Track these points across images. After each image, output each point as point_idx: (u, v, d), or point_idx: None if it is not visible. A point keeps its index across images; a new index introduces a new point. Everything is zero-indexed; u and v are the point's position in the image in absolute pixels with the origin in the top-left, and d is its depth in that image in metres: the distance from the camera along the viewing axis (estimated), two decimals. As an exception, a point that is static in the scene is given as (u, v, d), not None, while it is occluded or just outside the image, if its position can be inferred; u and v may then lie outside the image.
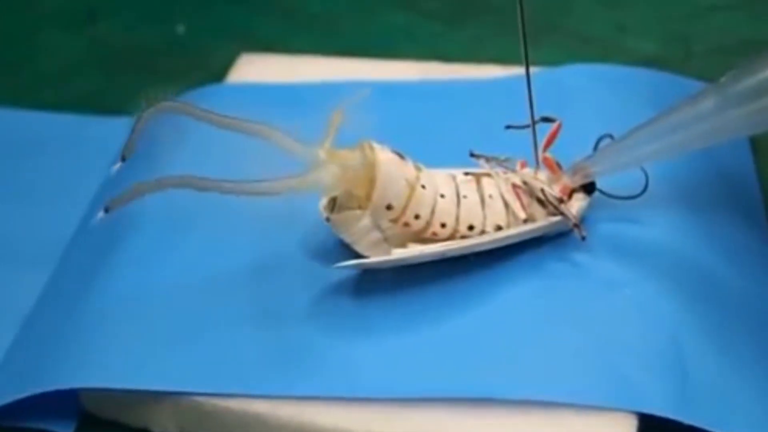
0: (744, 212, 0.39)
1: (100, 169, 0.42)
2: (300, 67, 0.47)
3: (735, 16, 0.52)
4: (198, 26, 0.55)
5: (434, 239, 0.36)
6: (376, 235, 0.36)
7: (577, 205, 0.37)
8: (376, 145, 0.34)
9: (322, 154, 0.34)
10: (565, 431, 0.32)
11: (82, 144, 0.46)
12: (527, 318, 0.35)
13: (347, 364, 0.34)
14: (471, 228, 0.36)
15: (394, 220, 0.35)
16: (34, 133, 0.48)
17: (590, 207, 0.37)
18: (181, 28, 0.54)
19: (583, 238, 0.36)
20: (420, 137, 0.39)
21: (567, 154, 0.37)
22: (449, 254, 0.35)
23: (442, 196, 0.35)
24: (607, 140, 0.37)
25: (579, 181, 0.37)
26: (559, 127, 0.36)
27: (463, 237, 0.36)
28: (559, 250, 0.36)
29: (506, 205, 0.36)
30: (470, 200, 0.36)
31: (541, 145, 0.37)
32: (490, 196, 0.36)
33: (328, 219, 0.36)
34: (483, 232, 0.36)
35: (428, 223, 0.35)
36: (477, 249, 0.36)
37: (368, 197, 0.34)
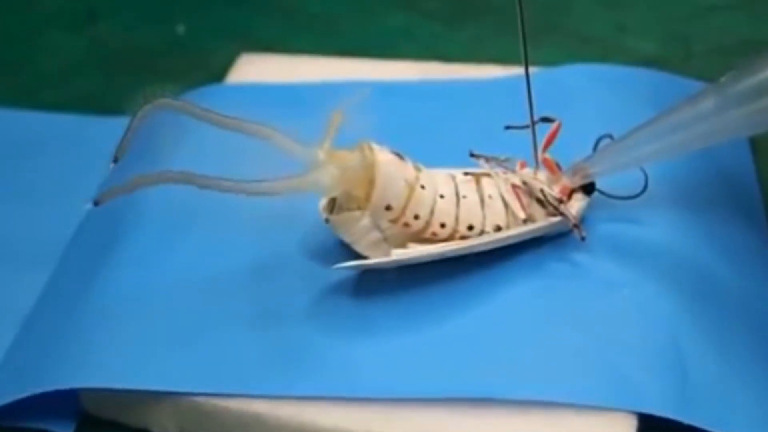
0: (743, 212, 0.39)
1: (100, 169, 0.42)
2: (300, 67, 0.48)
3: (735, 16, 0.52)
4: (198, 26, 0.55)
5: (434, 239, 0.36)
6: (375, 235, 0.36)
7: (576, 205, 0.37)
8: (376, 146, 0.34)
9: (321, 154, 0.34)
10: (565, 431, 0.32)
11: (82, 144, 0.46)
12: (527, 318, 0.35)
13: (347, 364, 0.34)
14: (470, 228, 0.36)
15: (394, 221, 0.35)
16: (34, 133, 0.48)
17: (590, 207, 0.37)
18: (181, 28, 0.54)
19: (583, 239, 0.36)
20: (420, 137, 0.39)
21: (567, 154, 0.37)
22: (449, 254, 0.35)
23: (442, 196, 0.35)
24: (607, 140, 0.37)
25: (578, 181, 0.37)
26: (559, 127, 0.36)
27: (463, 237, 0.36)
28: (559, 251, 0.36)
29: (506, 205, 0.36)
30: (470, 200, 0.36)
31: (540, 145, 0.37)
32: (490, 197, 0.36)
33: (327, 220, 0.36)
34: (482, 232, 0.36)
35: (428, 224, 0.35)
36: (477, 249, 0.36)
37: (367, 198, 0.34)
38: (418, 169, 0.35)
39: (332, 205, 0.36)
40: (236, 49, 0.49)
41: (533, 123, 0.37)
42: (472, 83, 0.45)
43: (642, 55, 0.49)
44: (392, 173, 0.34)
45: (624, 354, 0.33)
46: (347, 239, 0.36)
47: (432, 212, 0.35)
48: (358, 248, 0.36)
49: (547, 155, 0.37)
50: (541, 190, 0.36)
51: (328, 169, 0.34)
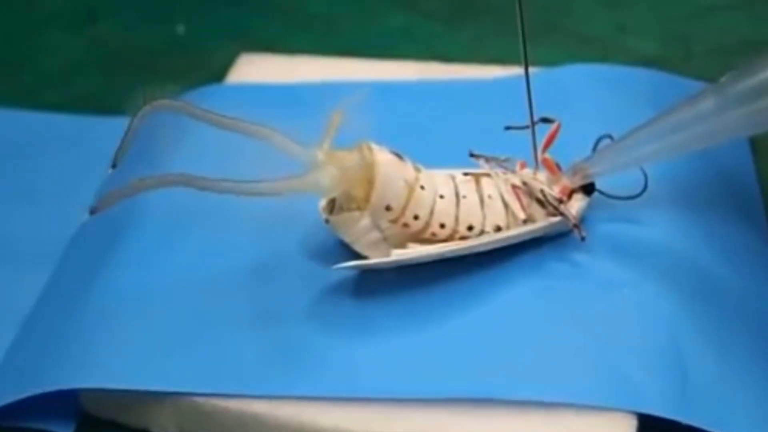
0: (743, 212, 0.39)
1: (100, 169, 0.42)
2: (300, 67, 0.48)
3: (735, 16, 0.52)
4: (198, 26, 0.55)
5: (433, 240, 0.36)
6: (375, 235, 0.36)
7: (576, 205, 0.37)
8: (375, 146, 0.34)
9: (320, 155, 0.34)
10: (565, 431, 0.32)
11: (82, 144, 0.46)
12: (527, 318, 0.35)
13: (347, 364, 0.34)
14: (470, 228, 0.36)
15: (393, 221, 0.35)
16: (34, 133, 0.48)
17: (590, 207, 0.37)
18: (181, 28, 0.54)
19: (583, 239, 0.36)
20: (419, 137, 0.39)
21: (567, 154, 0.37)
22: (449, 255, 0.35)
23: (441, 196, 0.35)
24: (607, 140, 0.37)
25: (578, 181, 0.37)
26: (559, 127, 0.36)
27: (463, 237, 0.36)
28: (559, 251, 0.36)
29: (506, 205, 0.36)
30: (469, 201, 0.36)
31: (540, 145, 0.37)
32: (490, 197, 0.36)
33: (327, 220, 0.36)
34: (482, 232, 0.36)
35: (427, 224, 0.35)
36: (477, 249, 0.36)
37: (367, 198, 0.34)
38: (417, 170, 0.35)
39: (332, 206, 0.36)
40: (236, 49, 0.49)
41: (533, 123, 0.37)
42: (472, 83, 0.45)
43: (642, 55, 0.49)
44: (392, 174, 0.34)
45: (624, 354, 0.33)
46: (347, 239, 0.36)
47: (432, 212, 0.35)
48: (358, 248, 0.36)
49: (547, 155, 0.37)
50: (541, 191, 0.36)
51: (328, 170, 0.34)
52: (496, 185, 0.36)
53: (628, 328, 0.34)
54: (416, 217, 0.35)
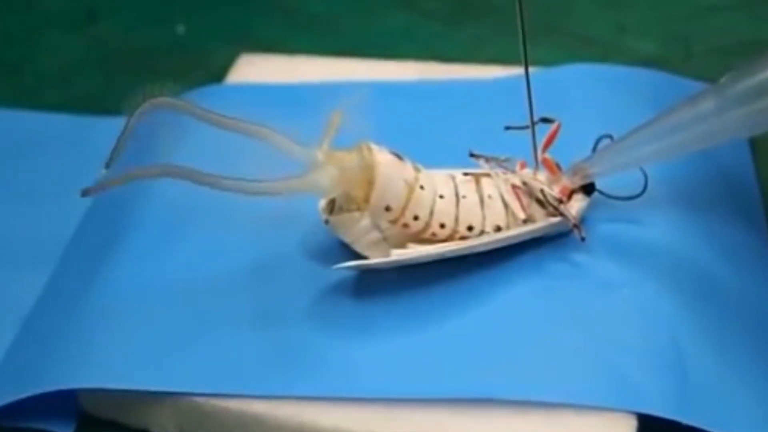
0: (743, 213, 0.39)
1: (100, 170, 0.42)
2: (300, 68, 0.47)
3: (735, 16, 0.52)
4: (198, 26, 0.55)
5: (433, 240, 0.36)
6: (375, 235, 0.36)
7: (576, 205, 0.37)
8: (374, 147, 0.34)
9: (320, 155, 0.34)
10: (564, 431, 0.32)
11: (82, 144, 0.46)
12: (527, 318, 0.35)
13: (347, 364, 0.34)
14: (470, 228, 0.36)
15: (393, 221, 0.35)
16: (34, 133, 0.48)
17: (590, 207, 0.37)
18: (181, 29, 0.54)
19: (583, 239, 0.36)
20: (419, 137, 0.39)
21: (566, 154, 0.37)
22: (449, 255, 0.35)
23: (441, 196, 0.35)
24: (607, 141, 0.37)
25: (578, 181, 0.37)
26: (559, 127, 0.36)
27: (463, 237, 0.36)
28: (559, 251, 0.36)
29: (506, 205, 0.36)
30: (469, 201, 0.36)
31: (540, 145, 0.37)
32: (490, 197, 0.36)
33: (327, 221, 0.36)
34: (482, 232, 0.36)
35: (427, 224, 0.35)
36: (476, 250, 0.36)
37: (367, 199, 0.34)
38: (417, 170, 0.35)
39: (332, 206, 0.36)
40: (236, 50, 0.49)
41: (533, 123, 0.37)
42: (472, 83, 0.45)
43: (642, 55, 0.49)
44: (391, 174, 0.34)
45: (624, 354, 0.33)
46: (347, 240, 0.36)
47: (431, 213, 0.35)
48: (358, 248, 0.36)
49: (547, 155, 0.37)
50: (541, 191, 0.36)
51: (327, 170, 0.34)
52: (496, 185, 0.36)
53: (628, 328, 0.34)
54: (416, 218, 0.35)
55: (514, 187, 0.36)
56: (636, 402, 0.32)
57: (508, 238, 0.36)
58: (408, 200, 0.35)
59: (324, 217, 0.36)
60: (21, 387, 0.35)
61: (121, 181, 0.33)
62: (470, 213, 0.36)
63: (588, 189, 0.37)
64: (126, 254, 0.38)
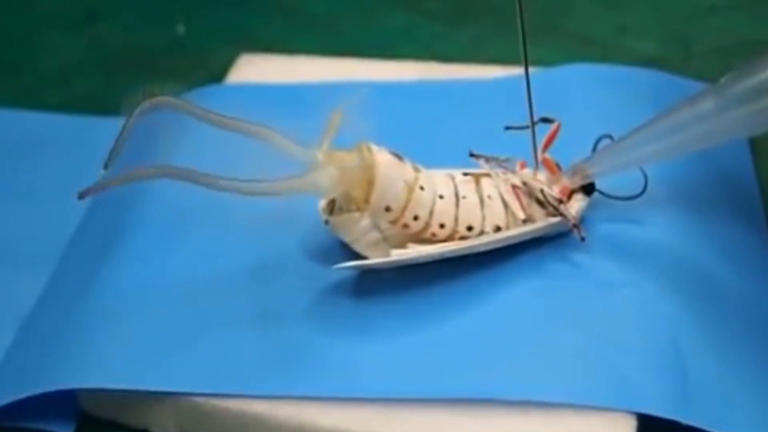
0: (743, 213, 0.39)
1: (99, 170, 0.42)
2: (300, 68, 0.47)
3: (735, 16, 0.52)
4: (198, 26, 0.55)
5: (433, 240, 0.36)
6: (375, 235, 0.36)
7: (576, 205, 0.37)
8: (374, 147, 0.34)
9: (319, 155, 0.34)
10: (564, 431, 0.32)
11: (82, 144, 0.46)
12: (527, 318, 0.35)
13: (347, 365, 0.34)
14: (470, 229, 0.36)
15: (393, 222, 0.35)
16: (34, 133, 0.48)
17: (589, 208, 0.37)
18: (181, 29, 0.54)
19: (583, 239, 0.36)
20: (419, 138, 0.39)
21: (566, 154, 0.37)
22: (449, 255, 0.35)
23: (441, 197, 0.35)
24: (606, 141, 0.37)
25: (578, 181, 0.37)
26: (559, 127, 0.36)
27: (462, 238, 0.36)
28: (559, 251, 0.36)
29: (505, 205, 0.36)
30: (469, 201, 0.36)
31: (540, 145, 0.37)
32: (489, 197, 0.36)
33: (327, 222, 0.36)
34: (482, 232, 0.36)
35: (427, 224, 0.35)
36: (476, 250, 0.36)
37: (366, 199, 0.34)
38: (417, 170, 0.35)
39: (331, 206, 0.36)
40: (236, 50, 0.49)
41: (533, 123, 0.37)
42: (472, 83, 0.45)
43: (642, 56, 0.49)
44: (391, 174, 0.34)
45: (624, 354, 0.33)
46: (347, 240, 0.36)
47: (431, 213, 0.35)
48: (358, 248, 0.36)
49: (547, 155, 0.37)
50: (541, 191, 0.36)
51: (327, 171, 0.34)
52: (496, 185, 0.36)
53: (627, 328, 0.34)
54: (416, 218, 0.35)
55: (514, 187, 0.36)
56: (636, 402, 0.32)
57: (508, 238, 0.36)
58: (408, 200, 0.35)
59: (324, 217, 0.36)
60: (21, 387, 0.35)
61: (119, 182, 0.33)
62: (470, 213, 0.36)
63: (588, 189, 0.37)
64: (126, 254, 0.38)
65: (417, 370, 0.33)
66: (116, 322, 0.36)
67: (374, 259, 0.35)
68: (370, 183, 0.34)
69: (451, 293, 0.35)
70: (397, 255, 0.35)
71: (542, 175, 0.37)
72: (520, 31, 0.35)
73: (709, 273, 0.36)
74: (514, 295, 0.35)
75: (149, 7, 0.56)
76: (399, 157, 0.35)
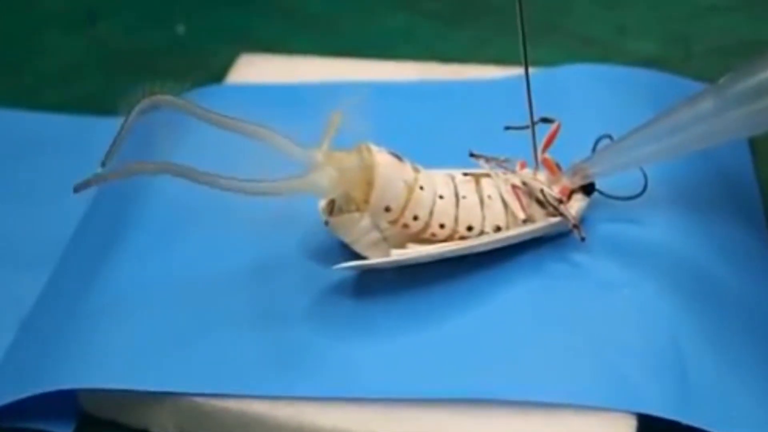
0: (743, 213, 0.39)
1: (97, 168, 0.42)
2: (300, 68, 0.48)
3: (735, 16, 0.52)
4: (198, 27, 0.55)
5: (433, 240, 0.36)
6: (375, 235, 0.36)
7: (576, 205, 0.37)
8: (374, 147, 0.34)
9: (319, 156, 0.34)
10: (564, 431, 0.32)
11: (82, 144, 0.46)
12: (527, 318, 0.35)
13: (347, 365, 0.34)
14: (470, 229, 0.36)
15: (393, 222, 0.35)
16: (34, 134, 0.48)
17: (589, 208, 0.37)
18: (181, 29, 0.54)
19: (583, 239, 0.36)
20: (419, 138, 0.39)
21: (566, 154, 0.37)
22: (448, 255, 0.35)
23: (441, 197, 0.35)
24: (606, 141, 0.37)
25: (578, 181, 0.37)
26: (558, 127, 0.36)
27: (462, 238, 0.36)
28: (559, 251, 0.36)
29: (505, 205, 0.36)
30: (469, 201, 0.36)
31: (540, 145, 0.37)
32: (489, 197, 0.36)
33: (326, 222, 0.36)
34: (482, 232, 0.36)
35: (427, 224, 0.35)
36: (476, 250, 0.36)
37: (366, 200, 0.34)
38: (416, 170, 0.35)
39: (331, 207, 0.36)
40: (236, 50, 0.49)
41: (533, 123, 0.37)
42: (472, 83, 0.45)
43: (642, 56, 0.49)
44: (391, 175, 0.34)
45: (623, 354, 0.33)
46: (347, 240, 0.36)
47: (431, 213, 0.35)
48: (358, 248, 0.36)
49: (547, 155, 0.37)
50: (541, 191, 0.36)
51: (327, 171, 0.34)
52: (496, 185, 0.36)
53: (627, 329, 0.34)
54: (416, 218, 0.35)
55: (513, 187, 0.36)
56: (636, 402, 0.32)
57: (508, 238, 0.36)
58: (407, 201, 0.35)
59: (324, 218, 0.36)
60: (21, 387, 0.35)
61: (118, 175, 0.33)
62: (470, 213, 0.36)
63: (588, 189, 0.37)
64: (126, 254, 0.38)
65: (417, 370, 0.33)
66: (116, 322, 0.36)
67: (374, 259, 0.35)
68: (369, 183, 0.34)
69: (451, 293, 0.35)
70: (397, 255, 0.35)
71: (542, 175, 0.37)
72: (520, 31, 0.35)
73: (709, 273, 0.36)
74: (514, 295, 0.35)
75: (149, 8, 0.56)
76: (399, 157, 0.35)
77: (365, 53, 0.49)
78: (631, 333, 0.34)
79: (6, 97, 0.50)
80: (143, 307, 0.36)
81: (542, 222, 0.36)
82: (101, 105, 0.48)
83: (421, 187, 0.35)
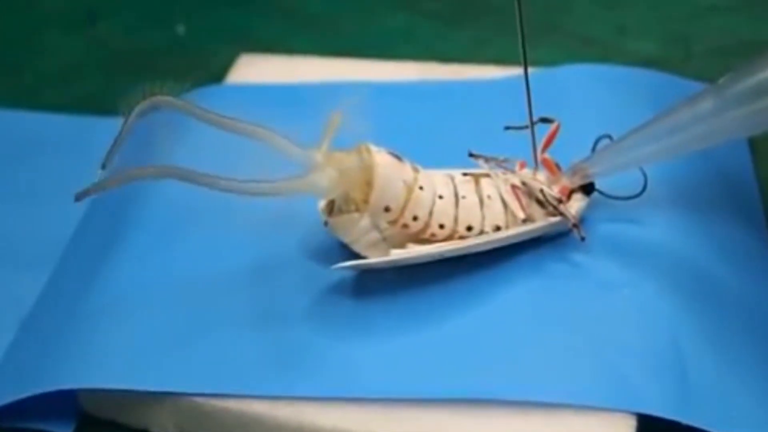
0: (742, 213, 0.39)
1: (97, 170, 0.42)
2: (300, 68, 0.48)
3: (735, 16, 0.52)
4: (198, 27, 0.55)
5: (433, 240, 0.36)
6: (375, 235, 0.36)
7: (576, 205, 0.37)
8: (373, 148, 0.34)
9: (319, 157, 0.34)
10: (564, 431, 0.32)
11: (82, 145, 0.46)
12: (527, 318, 0.35)
13: (346, 365, 0.34)
14: (469, 229, 0.36)
15: (393, 222, 0.35)
16: (34, 134, 0.48)
17: (589, 207, 0.37)
18: (181, 29, 0.54)
19: (582, 239, 0.36)
20: (419, 138, 0.39)
21: (566, 154, 0.37)
22: (448, 255, 0.35)
23: (441, 197, 0.35)
24: (606, 141, 0.37)
25: (578, 181, 0.37)
26: (558, 127, 0.36)
27: (462, 238, 0.36)
28: (558, 251, 0.36)
29: (505, 205, 0.36)
30: (469, 201, 0.36)
31: (540, 145, 0.37)
32: (489, 197, 0.36)
33: (326, 223, 0.36)
34: (482, 232, 0.36)
35: (426, 225, 0.35)
36: (476, 249, 0.36)
37: (366, 200, 0.34)
38: (416, 170, 0.35)
39: (331, 207, 0.36)
40: (236, 50, 0.49)
41: (532, 123, 0.37)
42: (472, 83, 0.45)
43: (642, 56, 0.49)
44: (390, 175, 0.34)
45: (623, 354, 0.33)
46: (346, 240, 0.36)
47: (431, 213, 0.35)
48: (358, 248, 0.36)
49: (547, 155, 0.37)
50: (541, 191, 0.36)
51: (326, 171, 0.34)
52: (496, 185, 0.36)
53: (627, 328, 0.34)
54: (415, 218, 0.35)
55: (513, 187, 0.36)
56: (636, 402, 0.32)
57: (508, 238, 0.36)
58: (407, 201, 0.35)
59: (324, 218, 0.36)
60: (21, 387, 0.35)
61: (117, 182, 0.33)
62: (469, 213, 0.36)
63: (587, 189, 0.37)
64: (126, 254, 0.38)
65: (417, 370, 0.33)
66: (116, 322, 0.36)
67: (374, 259, 0.35)
68: (369, 184, 0.34)
69: (451, 293, 0.35)
70: (397, 255, 0.35)
71: (542, 175, 0.37)
72: (519, 31, 0.35)
73: (708, 273, 0.36)
74: (514, 295, 0.35)
75: (149, 8, 0.56)
76: (398, 157, 0.35)
77: (365, 53, 0.49)
78: (631, 333, 0.34)
79: (6, 97, 0.50)
80: (143, 307, 0.36)
81: (542, 222, 0.36)
82: (101, 105, 0.48)
83: (421, 188, 0.35)
